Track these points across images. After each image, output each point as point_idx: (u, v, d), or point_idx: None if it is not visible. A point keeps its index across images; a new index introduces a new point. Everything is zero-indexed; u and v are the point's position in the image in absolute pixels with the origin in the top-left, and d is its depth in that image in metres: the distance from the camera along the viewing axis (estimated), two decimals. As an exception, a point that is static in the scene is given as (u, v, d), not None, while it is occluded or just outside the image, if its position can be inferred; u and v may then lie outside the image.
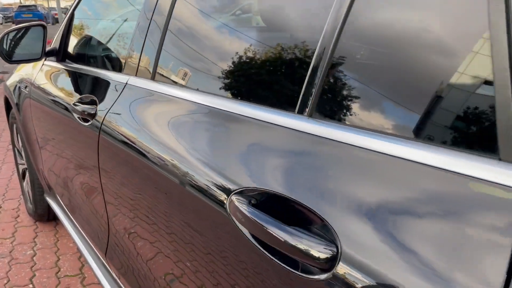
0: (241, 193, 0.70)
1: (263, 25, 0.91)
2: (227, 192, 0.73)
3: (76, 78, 1.69)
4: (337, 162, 0.61)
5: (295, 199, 0.62)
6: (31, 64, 2.20)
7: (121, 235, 1.23)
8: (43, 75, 1.96)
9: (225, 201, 0.73)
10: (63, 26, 1.85)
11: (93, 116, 1.32)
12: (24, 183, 2.78)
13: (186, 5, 1.12)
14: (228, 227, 0.72)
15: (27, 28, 1.82)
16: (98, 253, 1.57)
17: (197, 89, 1.00)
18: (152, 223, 1.02)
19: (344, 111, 0.65)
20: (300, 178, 0.63)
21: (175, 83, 1.09)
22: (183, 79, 1.08)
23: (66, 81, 1.76)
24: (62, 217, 2.02)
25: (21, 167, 2.82)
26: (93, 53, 1.75)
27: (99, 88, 1.42)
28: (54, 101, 1.73)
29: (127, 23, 1.48)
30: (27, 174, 2.64)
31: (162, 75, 1.14)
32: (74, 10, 1.81)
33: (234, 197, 0.70)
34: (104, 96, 1.33)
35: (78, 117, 1.42)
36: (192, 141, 0.88)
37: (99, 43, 1.71)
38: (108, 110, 1.24)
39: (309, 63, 0.70)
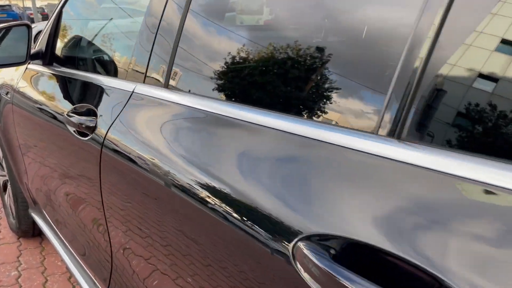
0: (311, 239, 0.55)
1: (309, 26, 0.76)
2: (292, 235, 0.57)
3: (67, 84, 1.51)
4: (452, 202, 0.46)
5: (396, 253, 0.47)
6: (12, 68, 2.00)
7: (128, 264, 1.07)
8: (28, 80, 1.76)
9: (287, 247, 0.58)
10: (50, 26, 1.66)
11: (92, 129, 1.14)
12: (6, 196, 2.57)
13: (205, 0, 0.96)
14: (290, 279, 0.57)
15: (8, 29, 1.62)
16: (89, 273, 1.41)
17: (227, 100, 0.84)
18: (175, 258, 0.86)
19: (449, 132, 0.50)
20: (399, 224, 0.49)
21: (196, 92, 0.93)
22: (204, 87, 0.92)
23: (55, 87, 1.57)
24: (50, 235, 1.84)
25: (1, 179, 2.60)
26: (86, 56, 1.57)
27: (96, 96, 1.25)
28: (41, 109, 1.55)
29: (128, 21, 1.31)
30: (8, 187, 2.43)
31: (178, 83, 0.98)
32: (62, 7, 1.62)
33: (302, 244, 0.55)
34: (105, 105, 1.16)
35: (74, 131, 1.24)
36: (234, 165, 0.72)
37: (93, 45, 1.53)
38: (112, 123, 1.07)
39: (393, 71, 0.55)
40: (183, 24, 0.97)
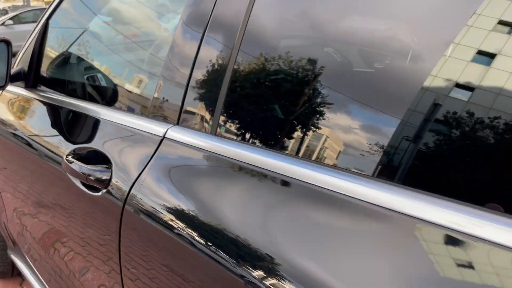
0: None
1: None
2: None
3: (58, 114, 1.23)
4: None
5: None
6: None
7: None
8: (5, 105, 1.46)
9: None
10: (33, 41, 1.36)
11: (106, 183, 0.88)
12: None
13: (269, 9, 0.72)
14: None
15: (-19, 45, 1.32)
16: None
17: (305, 157, 0.61)
18: None
19: None
20: None
21: (259, 144, 0.69)
22: (273, 137, 0.68)
23: (41, 116, 1.29)
24: (33, 281, 1.57)
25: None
26: (83, 81, 1.28)
27: (104, 136, 0.98)
28: (25, 141, 1.27)
29: (147, 36, 1.04)
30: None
31: (232, 129, 0.73)
32: (48, 18, 1.33)
33: None
34: (120, 151, 0.90)
35: (81, 182, 0.97)
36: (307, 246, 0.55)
37: (92, 67, 1.24)
38: (138, 177, 0.81)
39: None
40: (236, 58, 0.72)
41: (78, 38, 1.30)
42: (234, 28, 0.74)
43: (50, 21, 1.33)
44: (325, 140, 0.62)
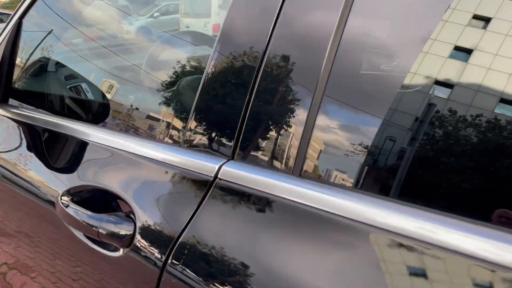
0: None
1: None
2: None
3: (38, 136, 0.97)
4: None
5: None
6: None
7: None
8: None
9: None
10: (3, 45, 1.09)
11: (127, 240, 0.64)
12: None
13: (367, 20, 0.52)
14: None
15: None
16: None
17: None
18: None
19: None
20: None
21: (373, 191, 0.50)
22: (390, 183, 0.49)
23: (15, 140, 1.03)
24: None
25: None
26: (72, 95, 1.02)
27: (120, 173, 0.74)
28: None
29: (168, 39, 0.82)
30: None
31: (327, 169, 0.53)
32: (22, 16, 1.06)
33: None
34: (149, 196, 0.67)
35: (88, 237, 0.72)
36: None
37: (87, 78, 0.99)
38: (180, 235, 0.58)
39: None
40: (329, 75, 0.53)
41: (64, 38, 1.04)
42: (329, 29, 0.54)
43: (24, 20, 1.06)
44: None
